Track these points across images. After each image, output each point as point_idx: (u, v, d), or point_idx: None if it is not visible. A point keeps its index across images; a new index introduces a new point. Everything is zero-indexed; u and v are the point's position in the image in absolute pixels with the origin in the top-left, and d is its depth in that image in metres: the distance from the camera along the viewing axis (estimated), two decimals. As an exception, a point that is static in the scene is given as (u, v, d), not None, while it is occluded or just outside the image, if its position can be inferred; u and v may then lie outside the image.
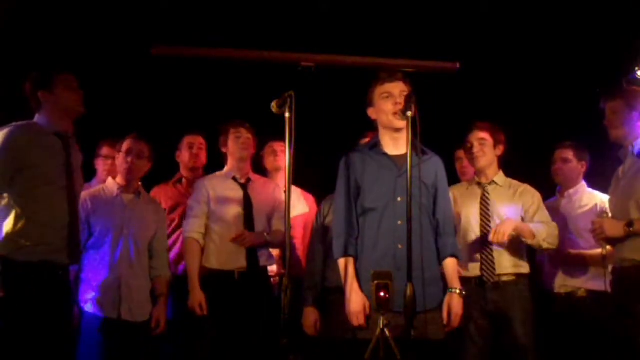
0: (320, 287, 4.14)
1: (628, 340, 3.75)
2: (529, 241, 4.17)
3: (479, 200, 4.30)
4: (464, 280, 4.16)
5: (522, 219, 4.26)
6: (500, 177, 4.37)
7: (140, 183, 4.41)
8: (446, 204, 3.62)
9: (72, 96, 3.70)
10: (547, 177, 4.74)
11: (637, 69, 4.88)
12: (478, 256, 4.20)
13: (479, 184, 4.37)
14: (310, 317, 4.17)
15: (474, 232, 4.24)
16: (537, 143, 4.93)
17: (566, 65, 5.48)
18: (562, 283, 4.48)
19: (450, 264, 3.56)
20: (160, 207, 4.58)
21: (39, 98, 3.67)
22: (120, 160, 4.29)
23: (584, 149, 4.66)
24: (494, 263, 4.17)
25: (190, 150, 4.95)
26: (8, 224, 3.48)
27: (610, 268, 4.47)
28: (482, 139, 4.33)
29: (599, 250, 4.41)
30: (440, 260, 3.56)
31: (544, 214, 4.30)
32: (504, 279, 4.17)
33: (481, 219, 4.26)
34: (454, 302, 3.48)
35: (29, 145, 3.55)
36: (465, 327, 4.07)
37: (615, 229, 3.79)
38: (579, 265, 4.45)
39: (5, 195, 3.51)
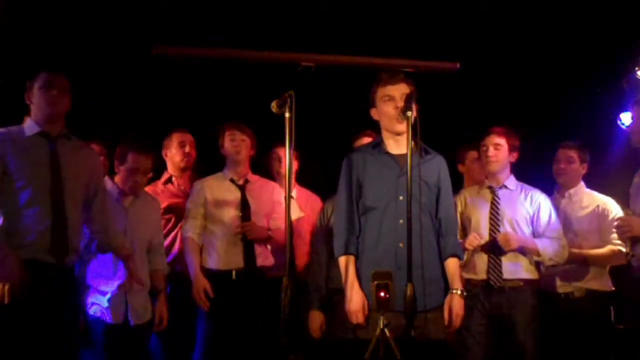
0: (324, 289, 4.13)
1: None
2: (534, 257, 4.19)
3: (489, 204, 4.30)
4: (471, 282, 4.18)
5: (532, 223, 4.26)
6: (511, 181, 4.36)
7: None
8: (449, 204, 3.61)
9: (44, 96, 3.67)
10: (544, 176, 4.73)
11: (637, 69, 4.89)
12: (486, 259, 4.20)
13: (490, 187, 4.37)
14: (316, 320, 4.16)
15: (483, 236, 4.23)
16: (537, 143, 4.92)
17: (566, 65, 5.48)
18: (562, 283, 4.47)
19: (451, 264, 3.53)
20: (158, 203, 4.51)
21: (26, 100, 3.73)
22: (129, 176, 4.19)
23: (587, 150, 4.62)
24: (501, 267, 4.17)
25: (182, 149, 4.84)
26: None
27: (608, 268, 4.50)
28: (498, 144, 4.31)
29: (601, 250, 4.43)
30: (441, 260, 3.55)
31: (555, 227, 4.27)
32: (510, 284, 4.16)
33: (490, 223, 4.26)
34: (455, 303, 3.46)
35: (5, 150, 3.57)
36: (467, 328, 4.07)
37: None
38: (579, 265, 4.43)
39: None
